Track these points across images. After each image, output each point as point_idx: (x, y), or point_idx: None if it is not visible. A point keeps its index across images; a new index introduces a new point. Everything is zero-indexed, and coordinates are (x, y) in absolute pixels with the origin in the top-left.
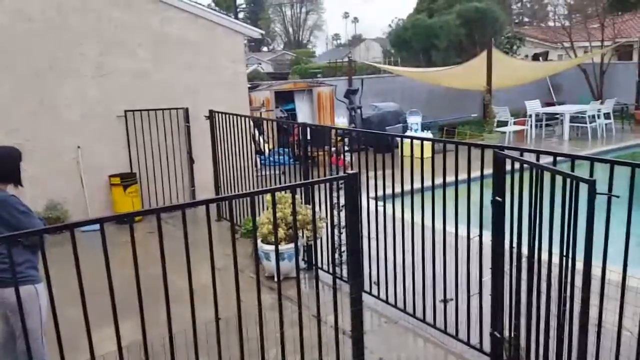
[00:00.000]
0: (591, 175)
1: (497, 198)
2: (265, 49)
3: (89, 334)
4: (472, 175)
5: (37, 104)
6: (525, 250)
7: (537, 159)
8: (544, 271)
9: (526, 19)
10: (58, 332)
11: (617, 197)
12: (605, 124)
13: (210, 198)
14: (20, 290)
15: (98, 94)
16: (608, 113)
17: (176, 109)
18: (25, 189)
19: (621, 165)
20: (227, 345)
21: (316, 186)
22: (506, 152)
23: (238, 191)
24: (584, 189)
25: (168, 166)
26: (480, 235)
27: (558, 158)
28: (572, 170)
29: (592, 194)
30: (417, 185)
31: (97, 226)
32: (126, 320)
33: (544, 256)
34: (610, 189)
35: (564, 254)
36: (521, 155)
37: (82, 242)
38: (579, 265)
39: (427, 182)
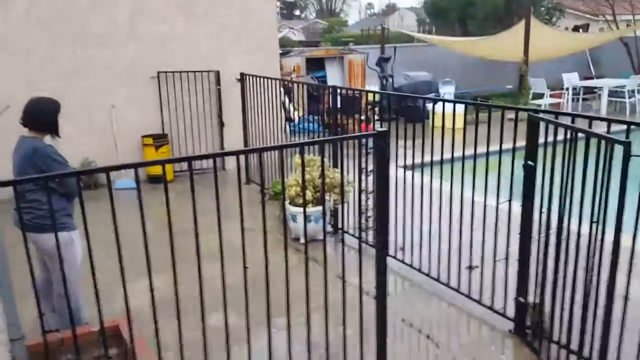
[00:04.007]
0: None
1: (529, 162)
2: (297, 12)
3: (124, 282)
4: (504, 147)
5: (72, 65)
6: (554, 215)
7: (572, 123)
8: (573, 237)
9: None
10: (94, 279)
11: None
12: None
13: (241, 149)
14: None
15: (131, 55)
16: None
17: (207, 71)
18: (61, 146)
19: None
20: (254, 302)
21: (344, 151)
22: (541, 115)
23: (268, 155)
24: (618, 152)
25: (199, 129)
26: (510, 201)
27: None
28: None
29: (627, 156)
30: (448, 155)
31: (131, 184)
32: (157, 275)
33: (574, 222)
34: None
35: (595, 219)
36: (556, 118)
37: (116, 200)
38: (609, 232)
39: (458, 153)
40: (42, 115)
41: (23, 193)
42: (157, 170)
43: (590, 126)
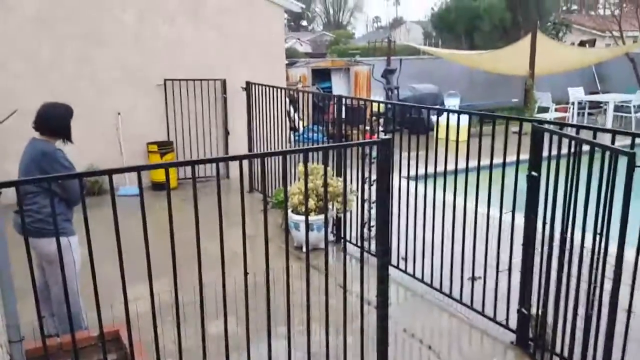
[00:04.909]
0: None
1: (533, 173)
2: (304, 23)
3: (124, 287)
4: (509, 159)
5: (79, 69)
6: (558, 226)
7: (577, 134)
8: (576, 248)
9: (575, 7)
10: (95, 284)
11: None
12: None
13: (244, 154)
14: (53, 242)
15: (138, 61)
16: None
17: (214, 79)
18: (67, 151)
19: None
20: (255, 309)
21: (348, 161)
22: (545, 126)
23: (271, 164)
24: (623, 164)
25: (204, 137)
26: (513, 213)
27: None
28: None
29: (631, 167)
30: (452, 166)
31: (134, 191)
32: (157, 281)
33: (577, 233)
34: None
35: (598, 231)
36: (560, 129)
37: (120, 206)
38: (612, 243)
39: (462, 165)
40: (55, 120)
41: (25, 196)
42: (160, 176)
43: (594, 138)
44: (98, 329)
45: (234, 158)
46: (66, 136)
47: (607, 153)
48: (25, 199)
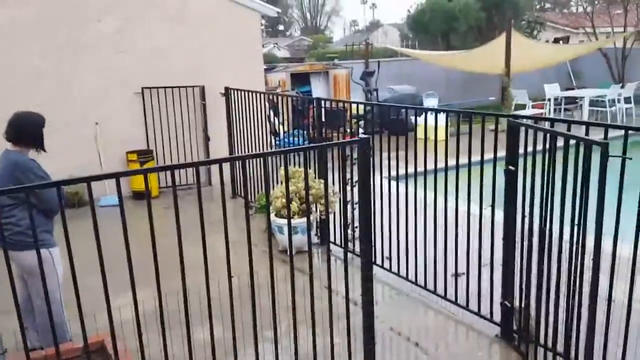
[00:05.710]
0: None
1: (510, 167)
2: (281, 27)
3: (107, 296)
4: (486, 157)
5: (58, 80)
6: (536, 219)
7: (552, 127)
8: (555, 240)
9: (548, 5)
10: (77, 294)
11: (630, 159)
12: (626, 109)
13: (224, 157)
14: (34, 254)
15: (116, 71)
16: (629, 97)
17: (192, 86)
18: (45, 163)
19: (636, 131)
20: (241, 314)
21: (329, 164)
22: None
23: (253, 170)
24: (597, 155)
25: (184, 144)
26: (493, 207)
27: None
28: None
29: (604, 156)
30: (432, 166)
31: (115, 201)
32: (141, 290)
33: (556, 225)
34: (624, 152)
35: (576, 222)
36: (535, 123)
37: (100, 217)
38: (591, 233)
39: (441, 164)
40: (27, 129)
41: (2, 208)
42: (141, 185)
43: (569, 131)
44: (82, 340)
45: (214, 162)
46: (39, 145)
47: (582, 144)
48: (2, 212)
